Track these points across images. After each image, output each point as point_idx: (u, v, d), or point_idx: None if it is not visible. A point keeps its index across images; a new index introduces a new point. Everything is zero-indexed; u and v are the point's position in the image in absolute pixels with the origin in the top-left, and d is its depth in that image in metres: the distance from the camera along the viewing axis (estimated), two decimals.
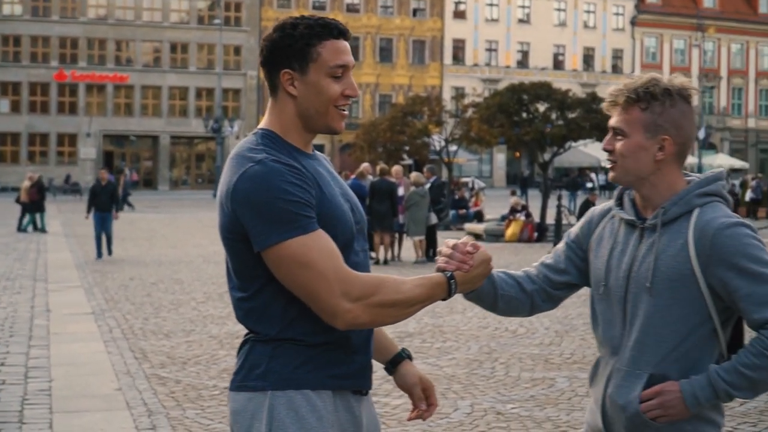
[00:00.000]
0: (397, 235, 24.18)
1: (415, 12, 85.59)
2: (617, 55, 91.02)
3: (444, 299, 3.37)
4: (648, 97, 3.42)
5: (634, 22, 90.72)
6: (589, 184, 65.76)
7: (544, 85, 32.28)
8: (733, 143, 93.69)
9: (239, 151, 3.32)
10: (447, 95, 73.88)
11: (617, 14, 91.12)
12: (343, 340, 3.32)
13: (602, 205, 3.77)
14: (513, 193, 39.20)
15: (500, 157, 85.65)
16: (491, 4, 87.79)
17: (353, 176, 25.12)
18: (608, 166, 3.57)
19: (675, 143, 3.43)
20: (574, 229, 3.78)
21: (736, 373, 3.28)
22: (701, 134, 72.60)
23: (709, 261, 3.32)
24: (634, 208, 3.56)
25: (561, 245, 3.80)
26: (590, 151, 64.63)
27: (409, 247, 25.15)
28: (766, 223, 17.64)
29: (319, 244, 3.18)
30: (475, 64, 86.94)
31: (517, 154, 76.93)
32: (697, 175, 3.56)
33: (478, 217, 36.07)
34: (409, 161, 52.83)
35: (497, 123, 32.24)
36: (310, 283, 3.17)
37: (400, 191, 24.06)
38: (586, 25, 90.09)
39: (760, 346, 3.23)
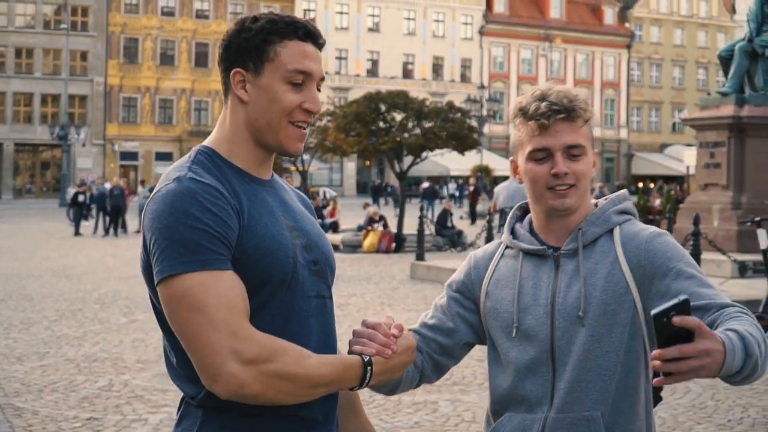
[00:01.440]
0: None
1: None
2: (466, 64, 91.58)
3: (352, 389, 2.81)
4: (587, 109, 3.10)
5: (482, 32, 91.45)
6: (444, 194, 66.15)
7: (401, 94, 31.99)
8: None
9: (169, 169, 2.84)
10: None
11: (466, 24, 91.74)
12: (296, 408, 2.74)
13: (484, 247, 3.34)
14: (367, 205, 38.87)
15: (351, 165, 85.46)
16: (341, 13, 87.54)
17: None
18: (561, 190, 3.03)
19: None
20: (455, 279, 3.28)
21: (749, 337, 2.68)
22: None
23: (645, 272, 2.97)
24: (535, 237, 3.15)
25: (441, 300, 3.28)
26: (442, 161, 64.88)
27: None
28: None
29: (220, 288, 2.62)
30: (326, 73, 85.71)
31: (368, 162, 76.95)
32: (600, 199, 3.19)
33: (334, 227, 35.59)
34: None
35: (354, 132, 31.79)
36: (196, 332, 2.60)
37: None
38: (435, 35, 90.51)
39: (743, 313, 2.78)
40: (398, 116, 31.56)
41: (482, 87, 71.47)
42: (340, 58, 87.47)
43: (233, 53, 2.83)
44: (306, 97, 2.81)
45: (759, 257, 18.78)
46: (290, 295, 2.77)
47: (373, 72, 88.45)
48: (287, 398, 2.66)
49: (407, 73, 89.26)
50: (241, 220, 2.70)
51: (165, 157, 79.25)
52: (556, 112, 3.02)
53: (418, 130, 31.62)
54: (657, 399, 3.19)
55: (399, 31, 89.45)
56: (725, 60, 21.81)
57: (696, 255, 15.85)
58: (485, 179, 70.85)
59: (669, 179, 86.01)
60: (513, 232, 3.22)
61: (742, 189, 20.79)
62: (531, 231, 3.17)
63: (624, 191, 3.25)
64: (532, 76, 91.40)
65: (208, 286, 2.59)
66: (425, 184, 57.71)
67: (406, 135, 31.35)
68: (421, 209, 25.64)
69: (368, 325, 2.85)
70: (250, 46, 2.79)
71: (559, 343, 3.01)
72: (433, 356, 3.21)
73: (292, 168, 39.88)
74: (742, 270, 18.78)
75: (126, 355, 12.61)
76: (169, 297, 2.63)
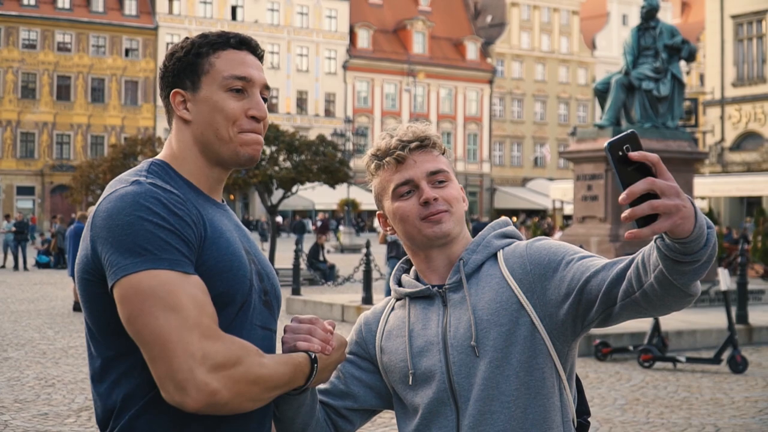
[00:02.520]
0: None
1: (127, 52, 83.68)
2: (330, 98, 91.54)
3: (297, 389, 2.66)
4: (439, 141, 3.01)
5: (346, 67, 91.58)
6: (311, 227, 66.00)
7: (272, 127, 31.66)
8: None
9: (117, 178, 2.65)
10: (162, 136, 72.67)
11: (330, 58, 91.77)
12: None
13: (373, 307, 3.19)
14: None
15: None
16: None
17: (77, 220, 23.80)
18: (434, 216, 2.90)
19: None
20: (348, 342, 3.07)
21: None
22: None
23: (532, 277, 2.83)
24: (419, 281, 3.03)
25: (338, 368, 3.08)
26: (309, 195, 64.66)
27: None
28: None
29: (192, 289, 2.42)
30: None
31: (232, 196, 76.29)
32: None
33: None
34: None
35: None
36: (168, 334, 2.35)
37: None
38: (299, 69, 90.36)
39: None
40: (269, 149, 31.20)
41: (348, 121, 71.50)
42: None
43: (170, 77, 2.72)
44: (250, 104, 2.68)
45: None
46: (241, 319, 2.58)
47: None
48: (250, 404, 2.48)
49: (271, 107, 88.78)
50: (202, 231, 2.54)
51: (27, 191, 77.71)
52: (410, 142, 2.93)
53: (288, 164, 31.35)
54: (583, 427, 3.01)
55: (263, 65, 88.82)
56: (601, 93, 21.91)
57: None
58: (352, 213, 70.83)
59: (531, 213, 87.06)
60: (399, 283, 3.08)
61: (620, 221, 20.77)
62: (417, 278, 3.05)
63: (505, 217, 3.14)
64: (395, 111, 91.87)
65: (178, 285, 2.40)
66: (289, 219, 57.38)
67: (276, 168, 31.05)
68: (297, 243, 25.27)
69: (303, 320, 2.72)
70: (184, 64, 2.69)
71: (457, 378, 2.83)
72: (333, 420, 3.04)
73: None
74: None
75: (3, 395, 11.99)
76: (133, 294, 2.38)
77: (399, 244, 18.43)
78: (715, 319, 17.82)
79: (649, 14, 22.14)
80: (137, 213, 2.43)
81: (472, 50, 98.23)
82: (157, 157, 2.74)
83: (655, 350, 14.47)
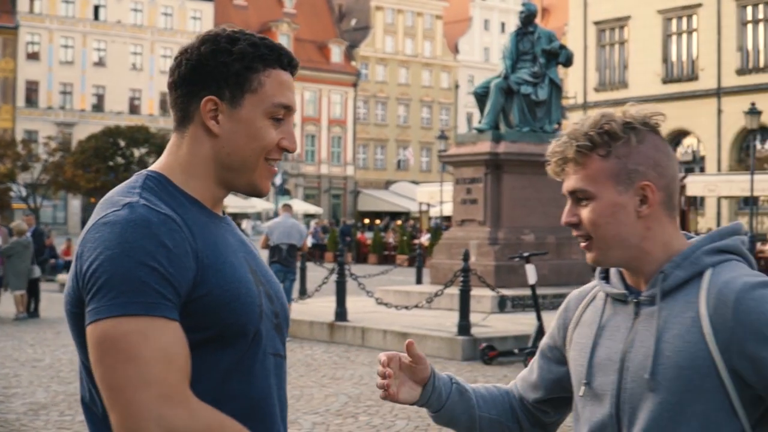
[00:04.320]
0: None
1: None
2: None
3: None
4: (606, 139, 2.53)
5: None
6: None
7: (142, 129, 31.28)
8: (307, 189, 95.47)
9: (109, 195, 2.40)
10: (20, 138, 71.09)
11: None
12: None
13: (583, 287, 2.85)
14: None
15: (75, 203, 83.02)
16: (66, 46, 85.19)
17: None
18: (581, 244, 2.63)
19: (658, 188, 2.54)
20: (552, 325, 2.88)
21: None
22: (278, 180, 73.63)
23: (732, 336, 2.40)
24: (623, 280, 2.65)
25: (538, 352, 2.92)
26: None
27: (8, 302, 23.09)
28: (331, 266, 18.00)
29: (162, 340, 2.16)
30: (50, 107, 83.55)
31: (93, 199, 75.14)
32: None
33: (69, 267, 34.25)
34: None
35: (93, 168, 30.75)
36: (121, 387, 2.14)
37: None
38: (162, 70, 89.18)
39: None
40: (138, 152, 30.76)
41: None
42: (64, 93, 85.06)
43: (206, 77, 2.41)
44: (284, 134, 2.46)
45: (518, 292, 19.01)
46: (254, 350, 2.37)
47: (98, 107, 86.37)
48: None
49: (134, 109, 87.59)
50: (199, 258, 2.29)
51: None
52: (554, 157, 2.66)
53: None
54: None
55: (125, 66, 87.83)
56: (481, 97, 22.02)
57: (466, 291, 15.75)
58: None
59: (395, 215, 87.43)
60: (606, 273, 2.73)
61: (499, 224, 20.98)
62: (621, 272, 2.69)
63: (735, 223, 2.71)
64: None
65: (147, 335, 2.15)
66: None
67: None
68: None
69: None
70: (230, 73, 2.40)
71: (624, 407, 2.54)
72: (529, 410, 2.91)
73: (22, 206, 38.24)
74: (502, 305, 18.93)
75: None
76: (99, 341, 2.17)
77: (282, 249, 18.15)
78: None
79: (528, 19, 22.36)
80: (120, 248, 2.19)
81: (336, 53, 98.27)
82: (154, 167, 2.48)
83: None
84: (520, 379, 2.94)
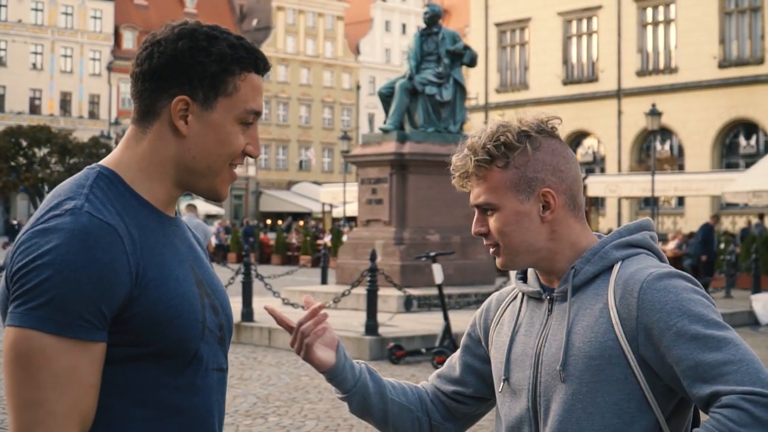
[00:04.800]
0: None
1: None
2: (94, 100, 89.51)
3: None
4: (503, 150, 2.61)
5: (110, 68, 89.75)
6: None
7: (44, 129, 30.87)
8: None
9: (58, 189, 2.29)
10: None
11: (94, 59, 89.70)
12: None
13: (505, 288, 2.95)
14: (6, 244, 37.07)
15: None
16: None
17: None
18: (491, 251, 2.71)
19: (559, 192, 2.62)
20: (471, 324, 2.96)
21: None
22: None
23: (638, 325, 2.46)
24: (538, 279, 2.74)
25: (458, 350, 2.98)
26: None
27: None
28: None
29: (63, 365, 2.10)
30: None
31: None
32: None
33: None
34: None
35: None
36: (13, 396, 2.11)
37: None
38: (62, 70, 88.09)
39: (715, 428, 2.31)
40: (39, 152, 30.33)
41: (116, 123, 70.09)
42: None
43: (180, 74, 2.30)
44: (250, 138, 2.40)
45: (424, 291, 19.11)
46: (195, 367, 2.31)
47: None
48: None
49: (34, 109, 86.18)
50: (140, 272, 2.20)
51: None
52: (457, 171, 2.75)
53: (60, 167, 30.56)
54: None
55: (25, 65, 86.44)
56: (386, 97, 22.03)
57: (373, 291, 15.77)
58: None
59: (297, 216, 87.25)
60: (524, 272, 2.81)
61: (404, 225, 21.04)
62: (536, 272, 2.77)
63: (644, 219, 2.78)
64: None
65: (50, 357, 2.09)
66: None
67: (48, 171, 30.21)
68: None
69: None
70: (206, 74, 2.30)
71: (540, 401, 2.60)
72: (443, 401, 2.94)
73: None
74: (408, 304, 18.99)
75: None
76: (9, 348, 2.11)
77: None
78: None
79: (432, 20, 22.42)
80: (48, 256, 2.11)
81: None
82: (108, 162, 2.36)
83: (448, 352, 14.58)
84: (436, 376, 2.98)
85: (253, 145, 2.40)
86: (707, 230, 32.49)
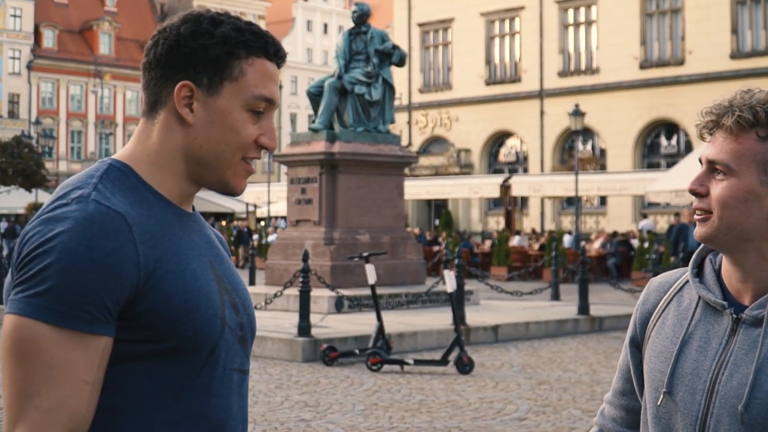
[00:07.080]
0: None
1: None
2: (14, 99, 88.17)
3: None
4: None
5: (30, 67, 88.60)
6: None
7: None
8: None
9: (69, 180, 2.19)
10: None
11: (14, 58, 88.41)
12: None
13: (665, 274, 2.53)
14: None
15: None
16: None
17: None
18: (696, 216, 2.32)
19: None
20: (632, 320, 2.54)
21: None
22: None
23: None
24: (719, 284, 2.35)
25: (623, 351, 2.57)
26: (12, 200, 62.18)
27: None
28: None
29: (56, 358, 2.00)
30: None
31: None
32: None
33: None
34: None
35: None
36: (5, 386, 2.01)
37: None
38: None
39: None
40: None
41: (37, 123, 69.10)
42: None
43: (182, 60, 2.20)
44: (263, 129, 2.25)
45: (354, 292, 19.04)
46: (211, 366, 2.18)
47: None
48: None
49: None
50: (154, 263, 2.09)
51: None
52: (708, 117, 2.34)
53: None
54: None
55: None
56: (314, 96, 21.91)
57: (306, 292, 15.67)
58: None
59: (219, 216, 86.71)
60: (700, 269, 2.43)
61: (335, 224, 20.93)
62: (717, 273, 2.39)
63: None
64: (82, 113, 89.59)
65: (43, 348, 1.99)
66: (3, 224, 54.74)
67: None
68: (0, 249, 23.96)
69: None
70: (209, 57, 2.20)
71: None
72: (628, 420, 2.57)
73: None
74: (339, 305, 18.91)
75: None
76: (5, 336, 2.03)
77: None
78: (432, 320, 18.15)
79: (361, 19, 22.32)
80: (50, 244, 2.03)
81: None
82: (120, 155, 2.26)
83: (382, 353, 14.55)
84: (615, 394, 2.61)
85: (268, 136, 2.26)
86: (681, 229, 29.24)
